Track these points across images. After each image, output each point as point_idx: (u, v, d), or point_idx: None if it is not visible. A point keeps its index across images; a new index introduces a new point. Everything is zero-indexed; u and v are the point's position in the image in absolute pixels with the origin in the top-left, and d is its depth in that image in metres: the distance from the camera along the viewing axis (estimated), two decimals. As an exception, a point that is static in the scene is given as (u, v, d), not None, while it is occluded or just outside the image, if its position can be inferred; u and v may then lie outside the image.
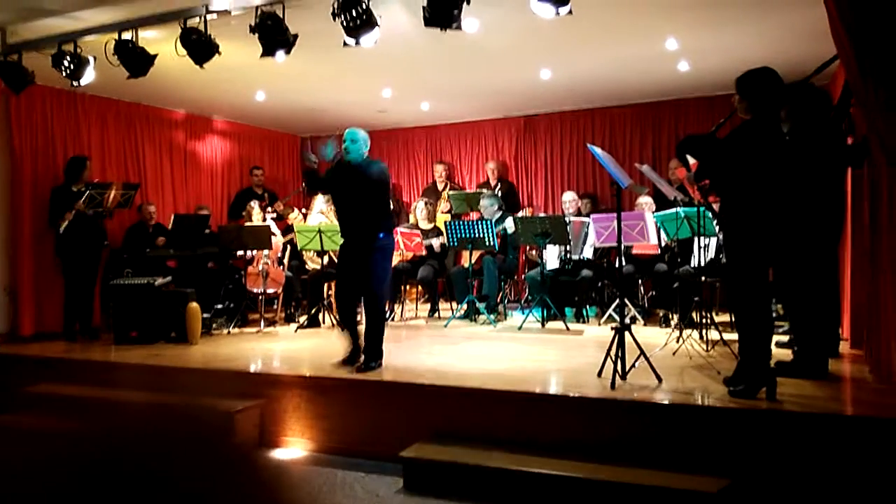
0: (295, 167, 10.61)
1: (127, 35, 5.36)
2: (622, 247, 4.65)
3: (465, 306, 7.33)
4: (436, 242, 7.80)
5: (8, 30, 5.71)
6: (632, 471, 3.58)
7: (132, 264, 7.03)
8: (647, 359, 4.26)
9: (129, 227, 7.62)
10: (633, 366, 4.26)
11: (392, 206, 9.28)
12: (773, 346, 3.92)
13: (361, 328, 5.05)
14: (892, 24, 3.62)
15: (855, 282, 5.19)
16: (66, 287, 6.78)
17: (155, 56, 5.42)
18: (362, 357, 4.89)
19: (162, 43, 5.37)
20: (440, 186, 9.45)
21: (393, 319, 7.54)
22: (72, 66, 5.63)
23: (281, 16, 4.86)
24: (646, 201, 7.25)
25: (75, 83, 5.77)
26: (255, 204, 8.10)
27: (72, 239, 6.70)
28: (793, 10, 5.33)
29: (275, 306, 7.84)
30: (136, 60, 5.40)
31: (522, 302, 7.93)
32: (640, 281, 7.32)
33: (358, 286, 4.98)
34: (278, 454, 4.66)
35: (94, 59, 5.63)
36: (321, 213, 7.98)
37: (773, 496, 3.49)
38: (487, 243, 7.01)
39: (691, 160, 4.45)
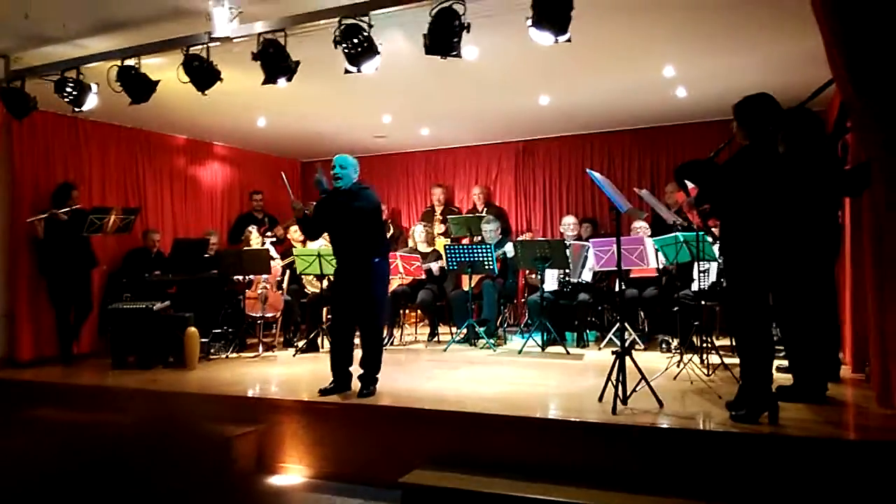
0: (294, 192, 10.60)
1: (130, 62, 5.41)
2: (622, 271, 4.64)
3: (464, 330, 7.31)
4: (435, 266, 7.80)
5: (11, 57, 5.76)
6: (633, 496, 3.55)
7: (131, 288, 7.01)
8: (648, 383, 4.24)
9: (129, 251, 7.61)
10: (633, 390, 4.24)
11: (391, 232, 9.39)
12: (774, 371, 3.91)
13: (354, 354, 5.01)
14: (885, 41, 3.62)
15: (856, 307, 5.18)
16: (54, 308, 6.76)
17: (157, 82, 5.46)
18: (359, 384, 4.86)
19: (164, 69, 5.41)
20: (438, 210, 9.44)
21: (392, 343, 7.52)
22: (74, 93, 5.68)
23: (283, 43, 4.91)
24: (641, 226, 7.28)
25: (77, 109, 5.81)
26: (252, 229, 8.10)
27: (54, 257, 6.70)
28: (785, 39, 5.41)
29: (273, 330, 7.81)
30: (138, 87, 5.45)
31: (522, 326, 7.91)
32: (640, 306, 7.31)
33: (355, 312, 4.97)
34: (276, 480, 4.61)
35: (97, 85, 5.68)
36: (322, 238, 7.97)
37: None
38: (487, 267, 7.01)
39: (690, 185, 4.47)
